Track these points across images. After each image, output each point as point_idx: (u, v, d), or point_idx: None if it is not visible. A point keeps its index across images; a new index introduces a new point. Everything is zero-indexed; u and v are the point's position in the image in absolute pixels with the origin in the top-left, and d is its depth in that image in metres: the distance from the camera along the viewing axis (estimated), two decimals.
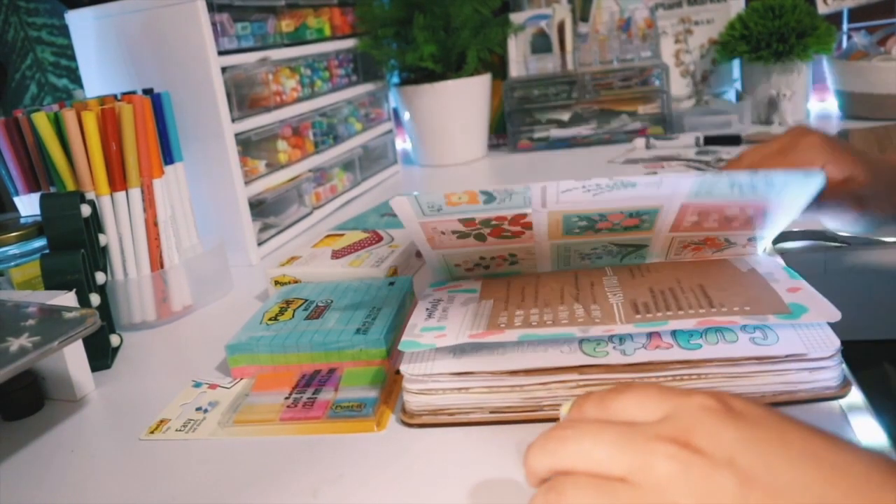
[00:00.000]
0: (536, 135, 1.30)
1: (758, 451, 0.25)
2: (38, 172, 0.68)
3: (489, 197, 0.47)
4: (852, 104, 1.23)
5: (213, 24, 0.80)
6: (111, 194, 0.65)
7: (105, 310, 0.63)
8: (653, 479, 0.25)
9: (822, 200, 0.49)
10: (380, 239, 0.75)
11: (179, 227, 0.73)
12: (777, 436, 0.26)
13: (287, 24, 0.97)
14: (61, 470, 0.46)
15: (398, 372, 0.48)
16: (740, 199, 0.47)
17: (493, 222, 0.50)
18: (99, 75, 0.86)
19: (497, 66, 1.35)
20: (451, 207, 0.48)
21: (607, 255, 0.55)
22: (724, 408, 0.27)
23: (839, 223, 0.56)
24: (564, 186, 0.46)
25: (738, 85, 1.39)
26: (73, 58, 1.03)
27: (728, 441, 0.25)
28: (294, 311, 0.59)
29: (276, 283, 0.69)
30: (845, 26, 1.37)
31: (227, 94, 0.81)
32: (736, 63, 1.37)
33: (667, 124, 1.26)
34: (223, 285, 0.76)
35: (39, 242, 0.64)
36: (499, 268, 0.56)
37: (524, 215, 0.49)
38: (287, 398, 0.50)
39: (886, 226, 0.56)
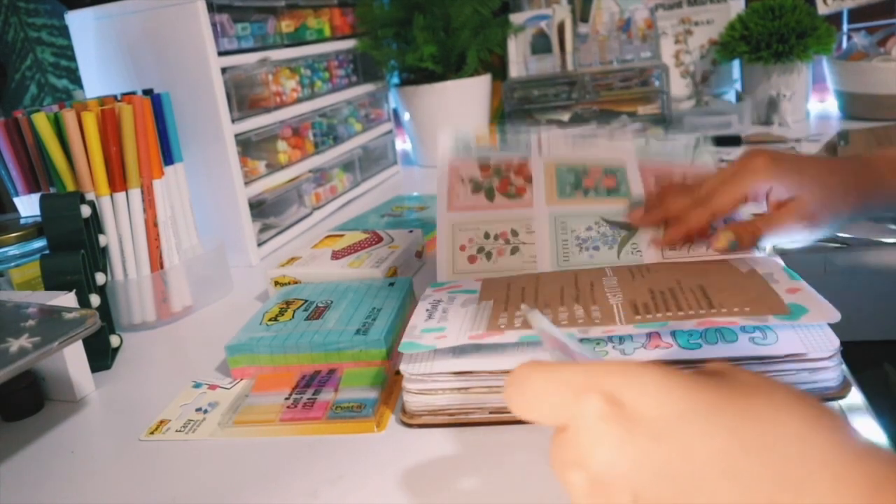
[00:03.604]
0: None
1: (654, 477, 0.24)
2: (38, 173, 0.68)
3: (503, 139, 0.67)
4: (852, 104, 1.23)
5: (213, 25, 0.80)
6: (111, 195, 0.66)
7: (105, 310, 0.63)
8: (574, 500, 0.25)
9: (773, 220, 0.52)
10: (380, 240, 0.75)
11: (179, 228, 0.73)
12: (677, 450, 0.23)
13: (287, 25, 0.97)
14: (61, 471, 0.46)
15: (398, 372, 0.48)
16: (682, 163, 0.63)
17: (503, 171, 0.64)
18: (99, 76, 0.86)
19: (497, 67, 1.35)
20: (476, 146, 0.66)
21: (603, 243, 0.58)
22: (616, 416, 0.24)
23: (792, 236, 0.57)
24: (552, 135, 0.67)
25: (737, 85, 1.39)
26: (73, 58, 1.03)
27: (624, 473, 0.24)
28: (294, 311, 0.59)
29: (276, 283, 0.69)
30: (845, 27, 1.37)
31: (227, 95, 0.81)
32: (736, 63, 1.37)
33: (666, 125, 1.26)
34: (223, 286, 0.76)
35: (39, 243, 0.64)
36: (500, 256, 0.58)
37: (526, 163, 0.65)
38: (287, 399, 0.50)
39: (841, 225, 0.57)
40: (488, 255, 0.61)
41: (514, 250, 0.60)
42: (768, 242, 0.53)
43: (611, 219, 0.60)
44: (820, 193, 0.52)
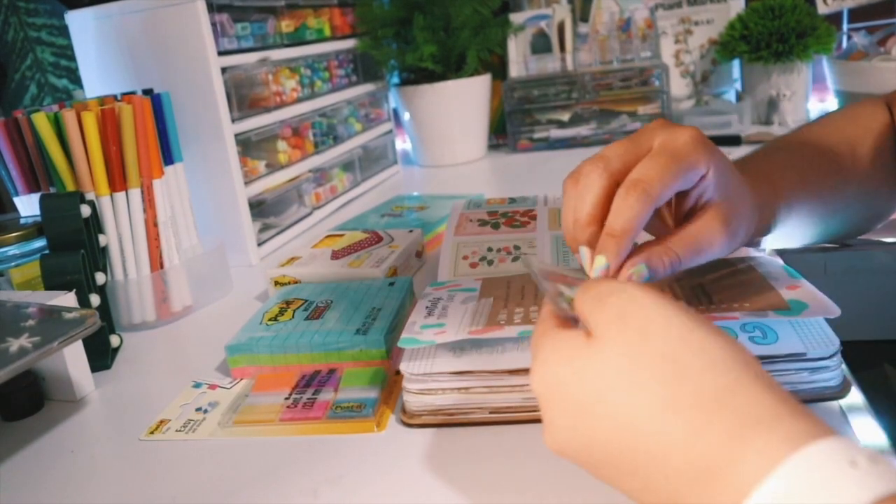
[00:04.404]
0: (536, 135, 1.30)
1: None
2: (37, 173, 0.68)
3: (512, 200, 0.74)
4: None
5: (213, 25, 0.80)
6: (111, 195, 0.66)
7: (105, 310, 0.63)
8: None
9: (690, 239, 0.38)
10: (379, 239, 0.75)
11: (179, 228, 0.73)
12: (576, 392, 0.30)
13: (287, 25, 0.97)
14: (61, 470, 0.46)
15: (398, 372, 0.48)
16: None
17: (509, 214, 0.70)
18: (99, 76, 0.86)
19: (497, 67, 1.35)
20: (487, 205, 0.73)
21: None
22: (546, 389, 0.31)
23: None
24: (559, 195, 0.67)
25: (737, 85, 1.39)
26: (72, 58, 1.03)
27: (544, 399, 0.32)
28: (294, 311, 0.59)
29: (276, 283, 0.69)
30: (845, 26, 1.37)
31: (226, 95, 0.81)
32: (736, 63, 1.37)
33: None
34: (223, 286, 0.76)
35: (39, 243, 0.64)
36: (502, 263, 0.60)
37: (532, 210, 0.70)
38: (287, 398, 0.50)
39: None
40: (490, 262, 0.62)
41: (516, 259, 0.62)
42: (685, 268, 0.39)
43: None
44: (740, 197, 0.40)
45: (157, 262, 0.69)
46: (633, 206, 0.35)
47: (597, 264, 0.37)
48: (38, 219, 0.63)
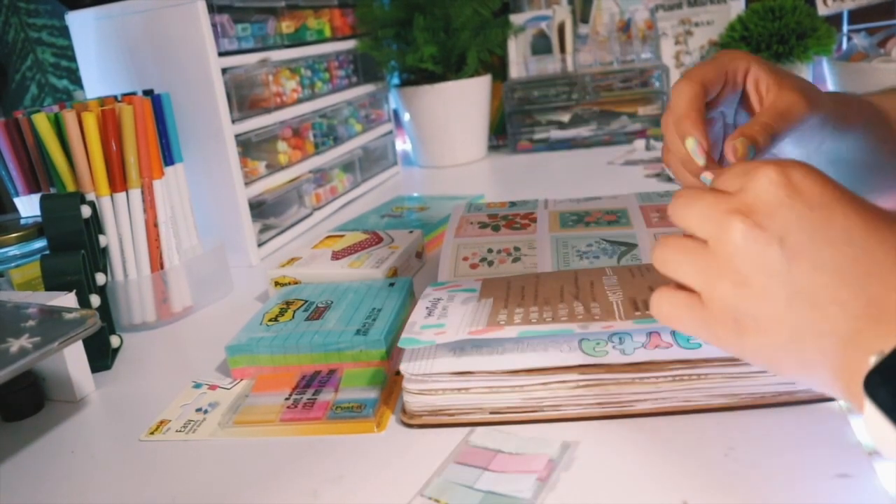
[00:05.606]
0: (536, 136, 1.30)
1: (806, 230, 0.31)
2: (38, 173, 0.68)
3: (512, 203, 0.74)
4: None
5: (214, 26, 0.80)
6: (111, 195, 0.66)
7: (105, 311, 0.63)
8: (723, 250, 0.32)
9: (775, 108, 0.43)
10: (380, 240, 0.75)
11: (179, 228, 0.73)
12: (825, 216, 0.31)
13: (287, 26, 0.97)
14: (61, 471, 0.46)
15: (398, 373, 0.48)
16: None
17: (509, 217, 0.70)
18: (99, 76, 0.86)
19: (497, 68, 1.35)
20: (487, 208, 0.74)
21: (603, 254, 0.59)
22: (786, 183, 0.31)
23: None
24: (559, 198, 0.75)
25: None
26: (73, 59, 1.03)
27: (782, 220, 0.31)
28: (294, 311, 0.59)
29: (277, 284, 0.69)
30: (845, 28, 1.37)
31: (227, 95, 0.81)
32: None
33: None
34: (223, 286, 0.76)
35: (40, 243, 0.64)
36: (502, 264, 0.60)
37: (532, 213, 0.70)
38: (287, 399, 0.50)
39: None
40: (490, 263, 0.62)
41: (516, 260, 0.62)
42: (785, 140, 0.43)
43: (611, 239, 0.62)
44: (809, 85, 0.45)
45: (157, 263, 0.69)
46: (683, 91, 0.43)
47: (688, 146, 0.42)
48: (39, 219, 0.63)
